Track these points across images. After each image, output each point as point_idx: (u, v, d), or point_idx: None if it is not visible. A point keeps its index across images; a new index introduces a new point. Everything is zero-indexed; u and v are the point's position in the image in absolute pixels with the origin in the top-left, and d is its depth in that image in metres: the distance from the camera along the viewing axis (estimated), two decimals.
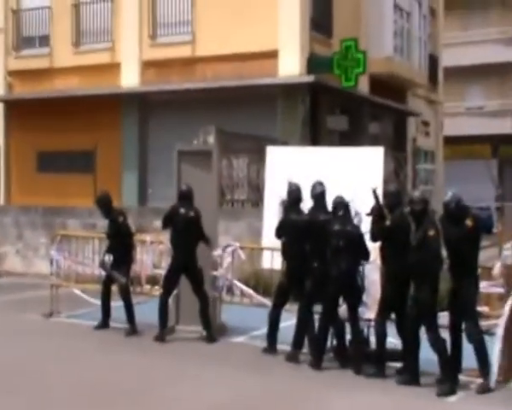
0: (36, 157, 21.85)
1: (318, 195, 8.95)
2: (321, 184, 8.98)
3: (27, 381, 8.03)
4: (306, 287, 8.88)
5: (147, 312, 10.55)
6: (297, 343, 8.96)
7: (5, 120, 22.06)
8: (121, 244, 10.53)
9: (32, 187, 21.24)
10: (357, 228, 8.71)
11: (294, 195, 9.15)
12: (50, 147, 21.17)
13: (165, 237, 12.52)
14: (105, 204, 10.75)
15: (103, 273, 10.80)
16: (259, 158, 16.50)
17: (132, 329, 10.35)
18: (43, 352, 9.37)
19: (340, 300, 8.70)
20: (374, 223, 8.39)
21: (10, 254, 17.73)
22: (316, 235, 8.78)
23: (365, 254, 8.62)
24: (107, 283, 10.70)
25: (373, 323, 8.58)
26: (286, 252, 9.20)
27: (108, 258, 10.53)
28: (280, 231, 9.22)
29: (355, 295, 8.63)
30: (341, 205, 8.59)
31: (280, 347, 9.27)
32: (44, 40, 21.35)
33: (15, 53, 21.74)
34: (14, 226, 17.80)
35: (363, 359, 8.46)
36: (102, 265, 10.67)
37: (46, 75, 21.07)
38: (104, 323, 10.61)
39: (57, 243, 12.00)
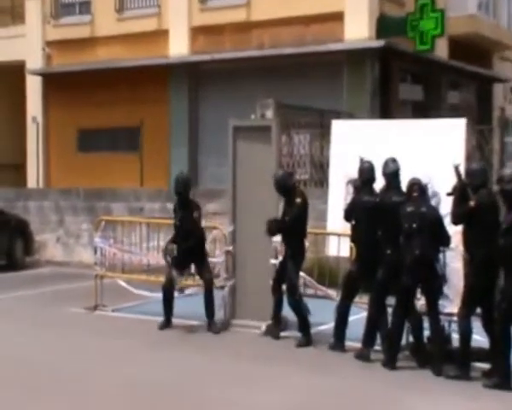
0: (77, 135, 22.23)
1: (391, 173, 8.85)
2: (394, 161, 8.88)
3: (69, 381, 8.15)
4: (378, 276, 8.79)
5: (198, 304, 10.61)
6: (368, 340, 8.90)
7: (43, 95, 22.48)
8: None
9: (72, 168, 21.62)
10: (435, 210, 8.59)
11: (367, 173, 9.08)
12: (92, 124, 21.49)
13: (219, 221, 12.63)
14: (186, 189, 10.53)
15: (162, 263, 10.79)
16: (323, 133, 16.43)
17: (210, 324, 10.35)
18: (87, 349, 9.49)
19: (418, 292, 8.57)
20: (456, 204, 8.23)
21: (51, 242, 18.09)
22: (388, 218, 8.70)
23: (445, 240, 8.48)
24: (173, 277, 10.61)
25: (455, 318, 8.43)
26: (356, 237, 9.15)
27: (172, 248, 10.42)
28: (350, 214, 9.15)
29: (434, 285, 8.50)
30: (416, 185, 8.46)
31: (349, 343, 9.22)
32: (85, 7, 21.68)
33: (54, 21, 22.11)
34: (54, 211, 18.14)
35: (445, 358, 8.33)
36: (165, 253, 10.56)
37: (87, 45, 21.37)
38: (168, 321, 10.52)
39: (101, 229, 12.13)
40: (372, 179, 9.07)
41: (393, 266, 8.61)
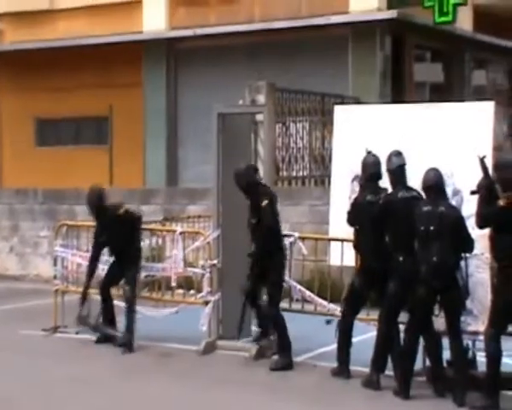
0: (34, 126, 22.17)
1: (395, 169, 8.91)
2: (398, 154, 8.95)
3: None
4: (390, 289, 8.79)
5: (180, 324, 10.54)
6: (377, 364, 8.87)
7: None
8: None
9: (29, 165, 21.54)
10: (455, 209, 8.61)
11: (371, 168, 9.12)
12: (52, 113, 21.43)
13: (202, 225, 12.59)
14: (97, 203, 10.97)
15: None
16: (325, 121, 16.48)
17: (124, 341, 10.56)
18: (44, 379, 9.39)
19: (437, 307, 8.56)
20: (481, 203, 8.23)
21: (2, 253, 18.02)
22: (397, 219, 8.73)
23: (467, 244, 8.48)
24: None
25: (481, 337, 8.41)
26: (359, 244, 9.15)
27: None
28: (353, 217, 9.15)
29: (455, 299, 8.48)
30: (433, 183, 8.47)
31: (355, 368, 9.19)
32: None
33: None
34: (6, 216, 18.06)
35: (469, 385, 8.30)
36: None
37: (46, 18, 21.32)
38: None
39: (62, 236, 12.09)
40: (377, 175, 9.11)
41: (407, 276, 8.61)
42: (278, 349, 9.81)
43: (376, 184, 9.12)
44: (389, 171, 8.95)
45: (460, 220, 8.49)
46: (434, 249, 8.34)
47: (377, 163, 9.10)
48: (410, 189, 8.80)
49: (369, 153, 9.17)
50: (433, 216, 8.40)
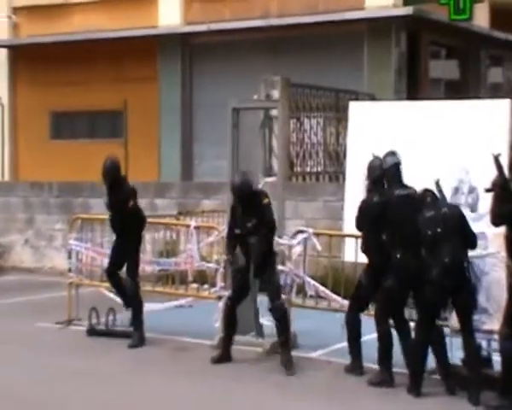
0: (49, 119, 22.19)
1: (390, 168, 8.97)
2: (392, 154, 9.01)
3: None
4: (386, 285, 8.81)
5: (194, 318, 10.51)
6: (383, 362, 8.86)
7: (10, 72, 22.44)
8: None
9: (44, 158, 21.58)
10: (456, 208, 8.64)
11: (378, 172, 9.13)
12: (68, 106, 21.46)
13: (217, 221, 12.57)
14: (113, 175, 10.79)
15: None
16: (340, 117, 16.42)
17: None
18: (55, 372, 9.40)
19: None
20: (496, 202, 8.16)
21: (18, 245, 18.06)
22: (393, 217, 8.78)
23: (472, 239, 8.48)
24: None
25: (497, 336, 8.34)
26: (367, 244, 9.16)
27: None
28: (361, 221, 9.15)
29: (467, 298, 8.44)
30: (429, 192, 8.55)
31: (369, 365, 9.13)
32: None
33: None
34: (22, 209, 18.11)
35: (483, 384, 8.23)
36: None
37: (62, 12, 21.34)
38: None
39: (76, 229, 12.09)
40: (383, 178, 9.09)
41: (404, 273, 8.63)
42: (283, 344, 9.65)
43: (383, 186, 9.12)
44: (384, 171, 8.99)
45: (463, 218, 8.51)
46: (445, 251, 8.30)
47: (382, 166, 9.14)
48: (406, 187, 8.84)
49: (375, 157, 9.18)
50: (438, 219, 8.40)
